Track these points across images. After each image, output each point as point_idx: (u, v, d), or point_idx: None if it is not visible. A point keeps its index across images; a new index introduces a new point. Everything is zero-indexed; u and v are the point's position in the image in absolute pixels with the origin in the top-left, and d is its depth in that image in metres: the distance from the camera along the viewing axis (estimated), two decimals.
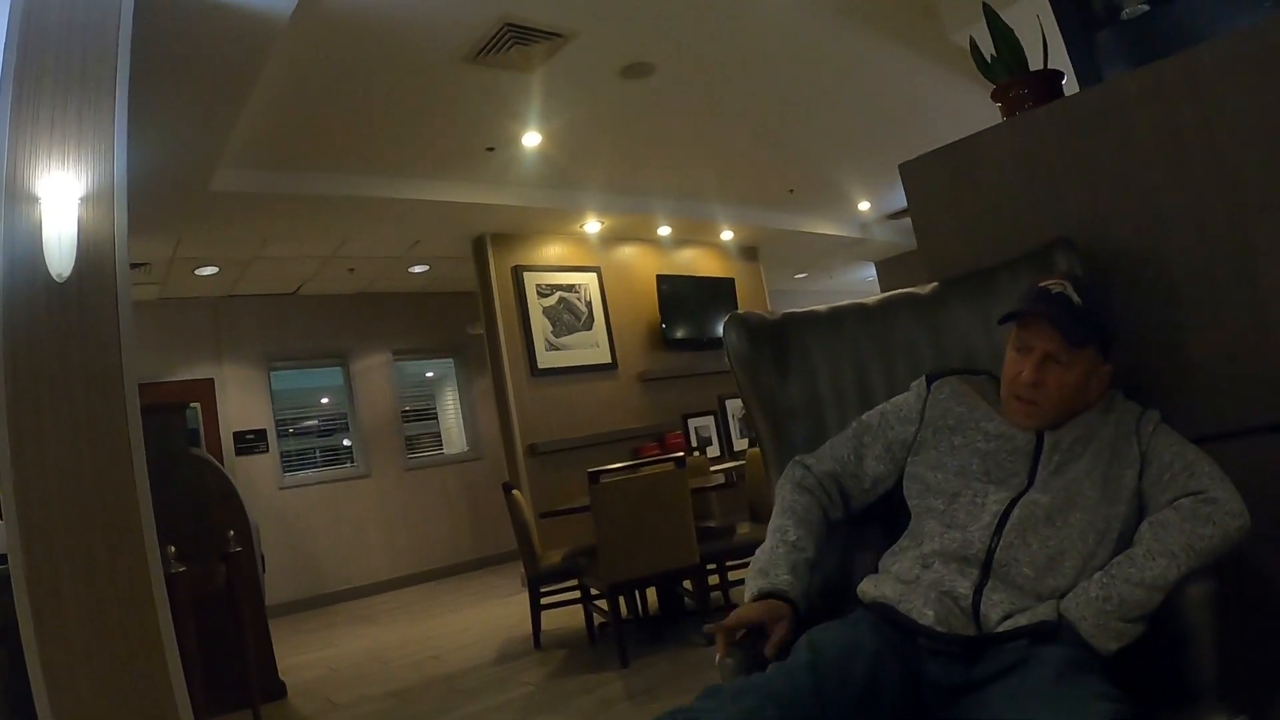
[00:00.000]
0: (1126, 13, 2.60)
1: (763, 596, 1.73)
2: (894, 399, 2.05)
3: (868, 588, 1.76)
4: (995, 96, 2.59)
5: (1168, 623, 1.55)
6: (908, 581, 1.71)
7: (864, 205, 10.46)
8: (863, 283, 14.44)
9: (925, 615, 1.61)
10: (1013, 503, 1.73)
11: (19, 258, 3.18)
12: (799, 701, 1.44)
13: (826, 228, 10.87)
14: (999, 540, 1.68)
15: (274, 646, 5.57)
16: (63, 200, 3.24)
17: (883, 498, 1.99)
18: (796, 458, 2.04)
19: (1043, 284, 1.84)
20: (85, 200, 3.30)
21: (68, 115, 3.29)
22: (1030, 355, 1.80)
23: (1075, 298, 1.78)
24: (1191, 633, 1.53)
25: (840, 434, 2.05)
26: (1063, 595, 1.60)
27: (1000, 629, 1.57)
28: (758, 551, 1.85)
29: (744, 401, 2.31)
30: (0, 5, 3.26)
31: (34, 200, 3.21)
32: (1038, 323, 1.79)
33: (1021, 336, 1.82)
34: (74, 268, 3.24)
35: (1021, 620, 1.57)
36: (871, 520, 2.03)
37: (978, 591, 1.62)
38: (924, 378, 2.02)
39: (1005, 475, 1.78)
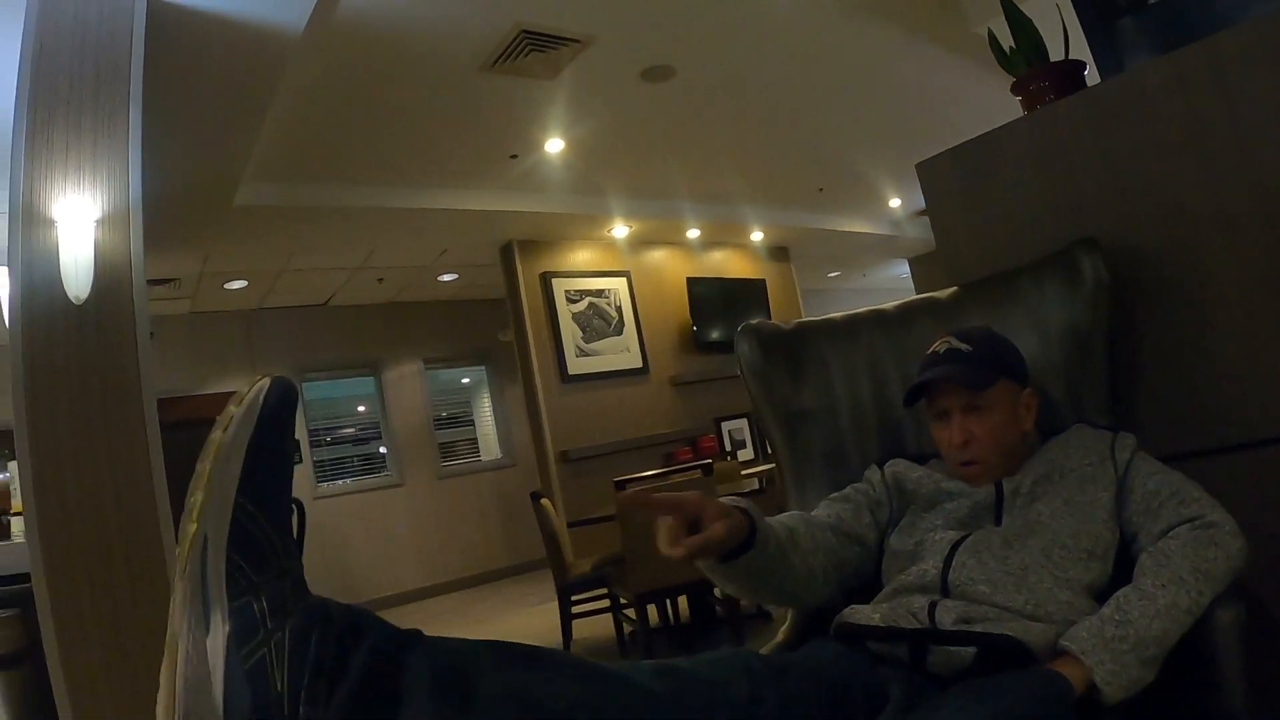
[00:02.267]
0: None
1: None
2: (854, 485, 1.97)
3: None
4: (1015, 90, 2.52)
5: (1192, 652, 1.47)
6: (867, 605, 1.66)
7: (895, 202, 10.38)
8: (896, 280, 14.30)
9: (871, 619, 1.56)
10: (966, 536, 1.68)
11: (37, 281, 3.19)
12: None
13: (857, 226, 10.78)
14: (952, 562, 1.63)
15: None
16: (79, 223, 3.25)
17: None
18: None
19: (929, 351, 1.83)
20: (101, 222, 3.30)
21: (82, 138, 3.30)
22: (949, 419, 1.78)
23: (962, 346, 1.77)
24: (1219, 661, 1.46)
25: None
26: (1036, 617, 1.51)
27: (952, 628, 1.49)
28: None
29: (757, 412, 2.25)
30: (13, 30, 3.27)
31: (50, 223, 3.22)
32: (938, 387, 1.78)
33: (934, 407, 1.82)
34: (91, 290, 3.25)
35: (977, 627, 1.48)
36: None
37: (933, 604, 1.55)
38: (874, 464, 1.98)
39: (968, 527, 1.74)
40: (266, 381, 1.07)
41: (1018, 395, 1.79)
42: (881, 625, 1.53)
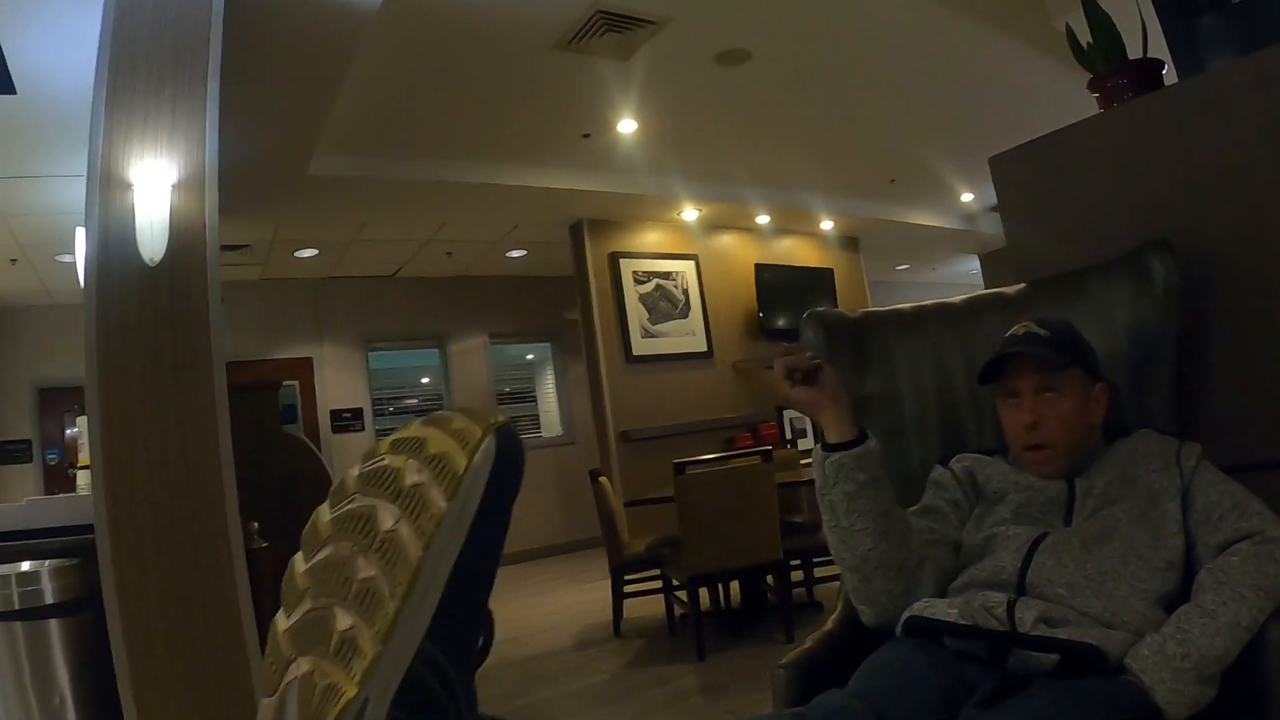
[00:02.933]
0: None
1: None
2: (930, 494, 1.97)
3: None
4: (1092, 86, 2.48)
5: (1246, 668, 1.45)
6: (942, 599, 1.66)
7: (967, 196, 10.22)
8: (966, 275, 14.12)
9: (949, 614, 1.55)
10: (1045, 534, 1.67)
11: (112, 242, 3.26)
12: None
13: (928, 219, 10.66)
14: (1030, 563, 1.62)
15: None
16: (156, 186, 3.31)
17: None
18: None
19: (1008, 334, 1.84)
20: (177, 187, 3.36)
21: (161, 105, 3.36)
22: (1021, 400, 1.79)
23: (1040, 330, 1.78)
24: (1270, 677, 1.44)
25: None
26: (1112, 625, 1.51)
27: (1034, 632, 1.48)
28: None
29: None
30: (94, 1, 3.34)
31: (127, 186, 3.28)
32: (1015, 365, 1.79)
33: (1006, 387, 1.82)
34: (166, 253, 3.31)
35: (1060, 632, 1.48)
36: None
37: (1011, 602, 1.55)
38: (937, 465, 1.98)
39: (1039, 523, 1.73)
40: (490, 437, 0.82)
41: (1090, 387, 1.79)
42: (965, 624, 1.53)
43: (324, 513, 0.83)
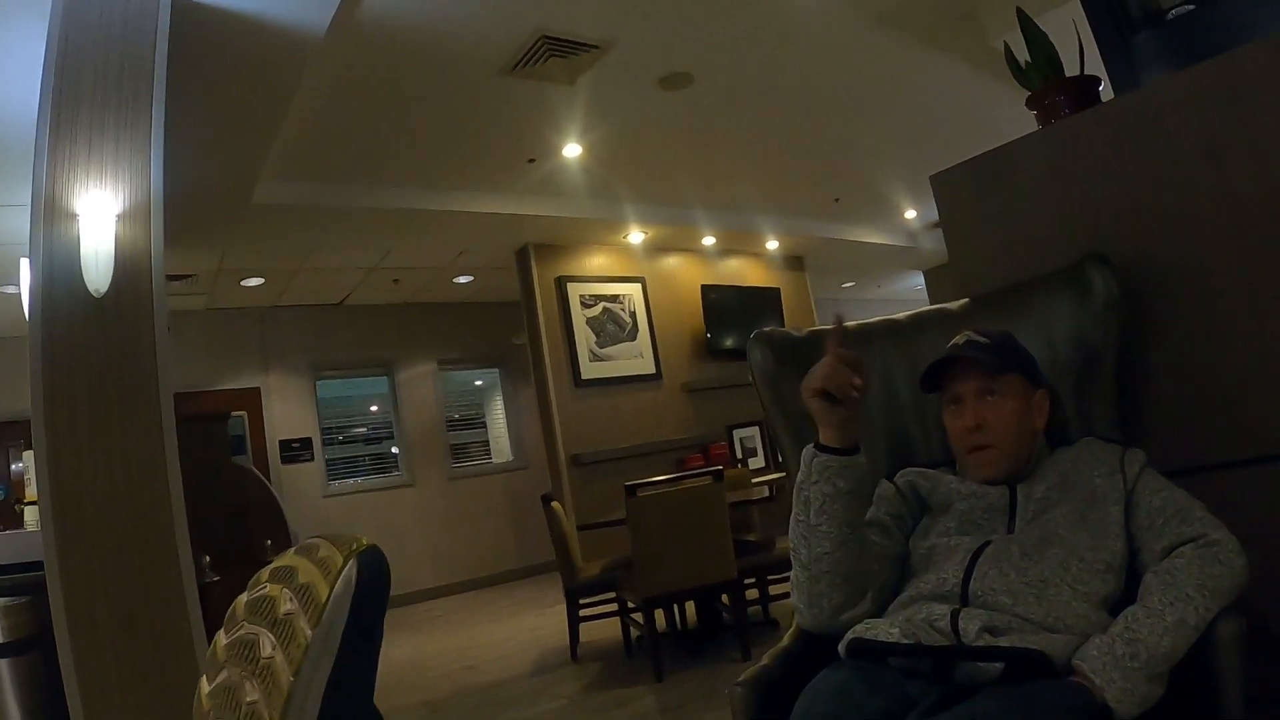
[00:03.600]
0: (1174, 12, 2.52)
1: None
2: (874, 508, 1.97)
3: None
4: (1031, 104, 2.53)
5: (1194, 665, 1.49)
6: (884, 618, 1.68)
7: (910, 214, 10.38)
8: (911, 291, 14.30)
9: (890, 634, 1.57)
10: (986, 544, 1.70)
11: (57, 273, 3.22)
12: None
13: (873, 236, 10.79)
14: (973, 573, 1.65)
15: None
16: (100, 216, 3.28)
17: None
18: None
19: (949, 344, 1.89)
20: (122, 217, 3.34)
21: (105, 133, 3.34)
22: (963, 404, 1.84)
23: (981, 338, 1.84)
24: (1220, 674, 1.47)
25: None
26: (1055, 629, 1.54)
27: (978, 643, 1.51)
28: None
29: (767, 418, 2.28)
30: (38, 28, 3.31)
31: (72, 217, 3.25)
32: (956, 370, 1.84)
33: (948, 393, 1.87)
34: (111, 283, 3.28)
35: (1004, 640, 1.50)
36: None
37: (955, 614, 1.57)
38: (883, 480, 2.01)
39: (981, 530, 1.77)
40: (353, 563, 0.87)
41: (1031, 393, 1.84)
42: (907, 642, 1.55)
43: (221, 638, 0.92)
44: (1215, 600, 1.50)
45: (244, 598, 0.93)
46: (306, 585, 0.87)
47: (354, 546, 0.90)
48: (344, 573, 0.88)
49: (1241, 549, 1.56)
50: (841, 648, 1.65)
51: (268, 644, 0.84)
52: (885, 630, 1.59)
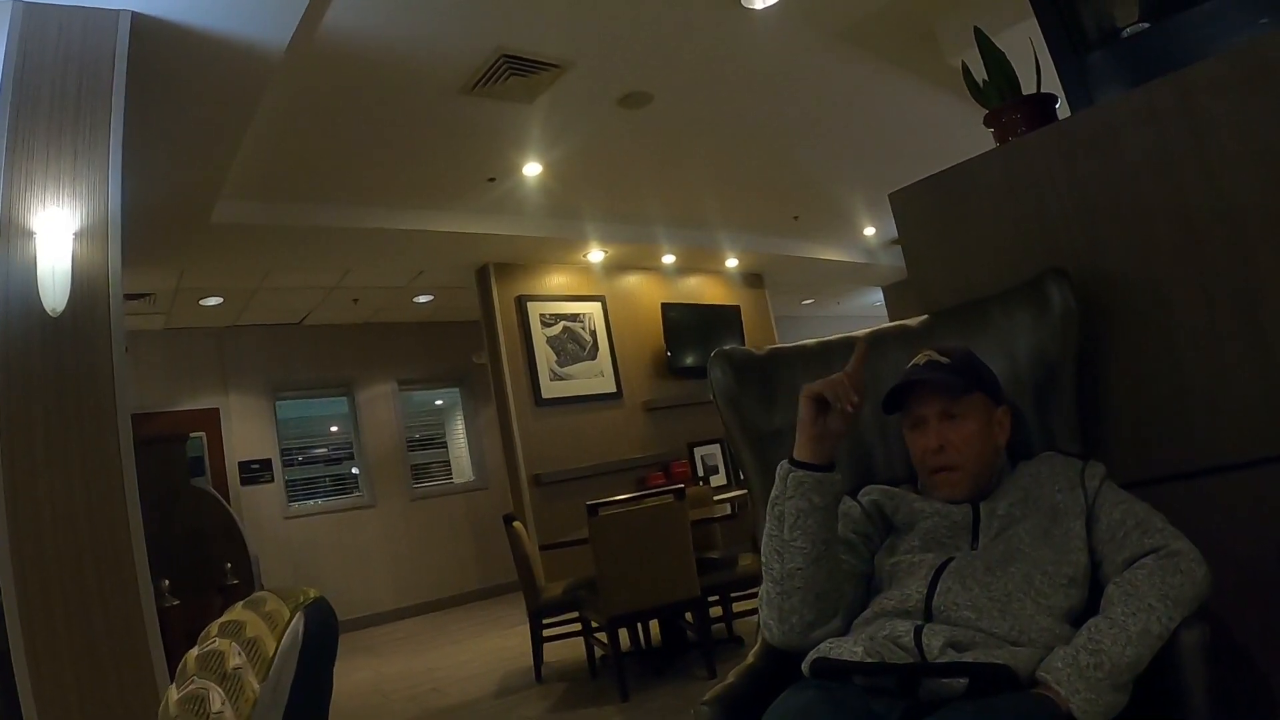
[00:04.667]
0: (1128, 31, 2.57)
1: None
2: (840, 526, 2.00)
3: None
4: (988, 122, 2.56)
5: (1159, 674, 1.51)
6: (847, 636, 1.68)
7: (869, 231, 10.45)
8: (871, 307, 14.41)
9: (854, 653, 1.58)
10: (949, 560, 1.72)
11: (13, 292, 3.18)
12: None
13: (832, 253, 10.85)
14: (936, 588, 1.66)
15: None
16: (57, 235, 3.25)
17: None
18: None
19: (909, 364, 1.90)
20: (79, 235, 3.31)
21: (62, 151, 3.31)
22: (925, 426, 1.85)
23: (941, 358, 1.85)
24: (1185, 681, 1.50)
25: None
26: (1019, 643, 1.55)
27: (942, 659, 1.52)
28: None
29: (729, 436, 2.28)
30: None
31: (29, 235, 3.22)
32: (918, 393, 1.85)
33: (911, 415, 1.89)
34: (68, 302, 3.24)
35: (968, 655, 1.52)
36: None
37: (918, 630, 1.58)
38: (846, 497, 2.00)
39: (945, 547, 1.78)
40: (300, 616, 0.89)
41: (992, 411, 1.85)
42: (871, 660, 1.55)
43: (172, 693, 0.91)
44: (1178, 609, 1.52)
45: (194, 652, 0.94)
46: (254, 639, 0.89)
47: (301, 600, 0.93)
48: (291, 626, 0.90)
49: (1203, 558, 1.59)
50: (805, 666, 1.66)
51: (217, 698, 0.85)
52: (849, 649, 1.59)
